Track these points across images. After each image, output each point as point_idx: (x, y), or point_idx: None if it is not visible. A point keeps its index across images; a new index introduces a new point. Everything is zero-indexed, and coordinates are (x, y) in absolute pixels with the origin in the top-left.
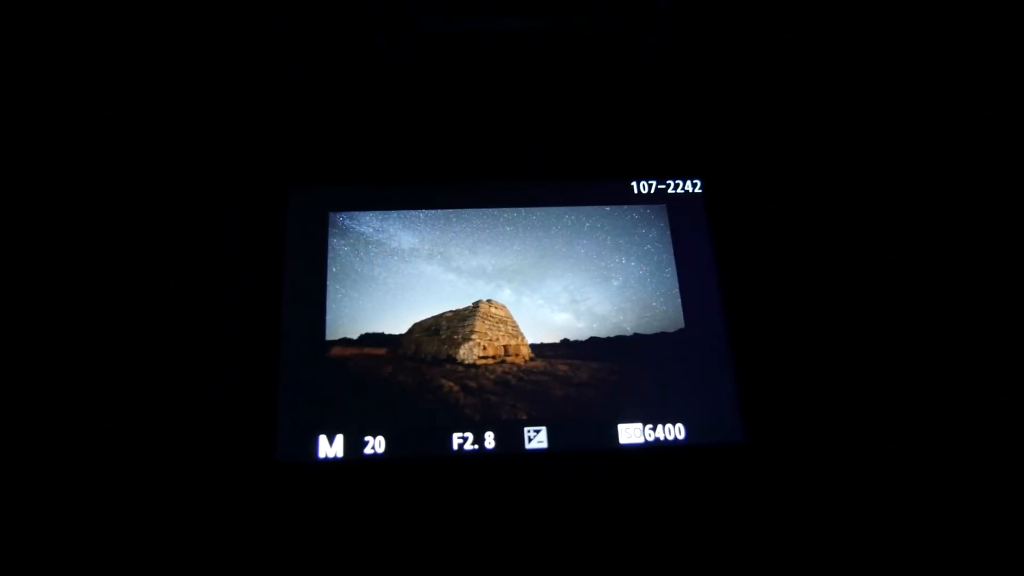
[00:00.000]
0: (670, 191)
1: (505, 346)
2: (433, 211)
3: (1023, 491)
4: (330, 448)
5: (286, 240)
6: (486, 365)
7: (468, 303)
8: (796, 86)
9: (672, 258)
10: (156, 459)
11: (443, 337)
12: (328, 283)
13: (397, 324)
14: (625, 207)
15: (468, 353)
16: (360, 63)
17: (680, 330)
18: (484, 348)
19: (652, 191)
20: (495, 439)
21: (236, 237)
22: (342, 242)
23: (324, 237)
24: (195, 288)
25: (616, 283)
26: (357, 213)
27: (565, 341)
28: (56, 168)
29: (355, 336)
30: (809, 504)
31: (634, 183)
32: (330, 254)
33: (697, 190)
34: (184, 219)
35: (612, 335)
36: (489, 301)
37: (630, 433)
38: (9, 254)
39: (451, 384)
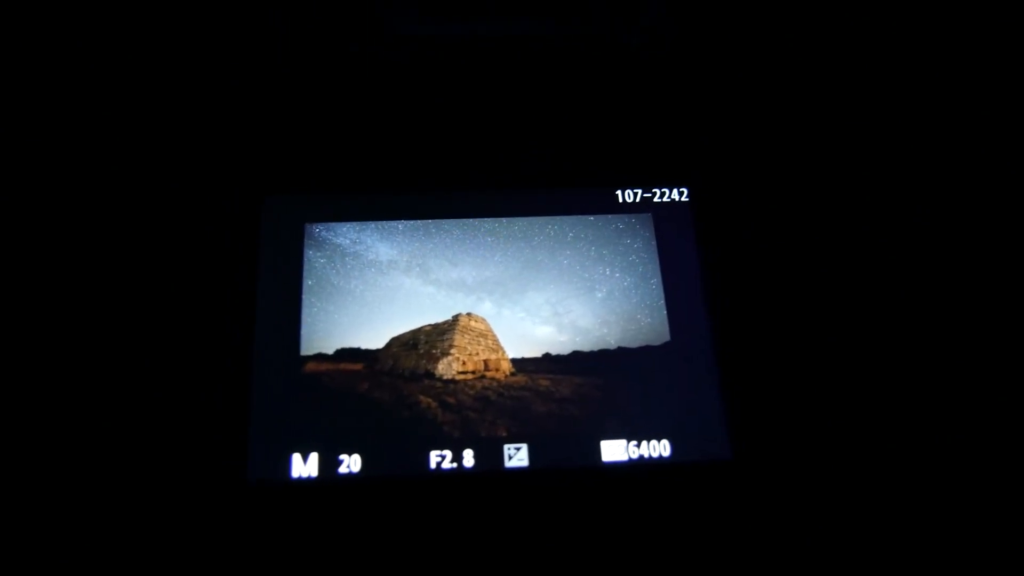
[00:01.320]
0: (656, 200)
1: (485, 361)
2: (412, 221)
3: (1015, 501)
4: (304, 467)
5: (260, 251)
6: (465, 380)
7: (447, 316)
8: (784, 93)
9: (658, 269)
10: (123, 477)
11: (421, 352)
12: (303, 296)
13: (374, 338)
14: (610, 216)
15: (447, 368)
16: (337, 70)
17: (666, 343)
18: (463, 363)
19: (638, 200)
20: (474, 457)
21: (208, 248)
22: (318, 254)
23: (299, 249)
24: (165, 301)
25: (600, 295)
26: (334, 224)
27: (547, 355)
28: (17, 177)
29: (330, 351)
30: (796, 521)
31: (619, 192)
32: (306, 266)
33: (683, 199)
34: (155, 228)
35: (595, 349)
36: (469, 314)
37: (614, 450)
38: None
39: (429, 400)
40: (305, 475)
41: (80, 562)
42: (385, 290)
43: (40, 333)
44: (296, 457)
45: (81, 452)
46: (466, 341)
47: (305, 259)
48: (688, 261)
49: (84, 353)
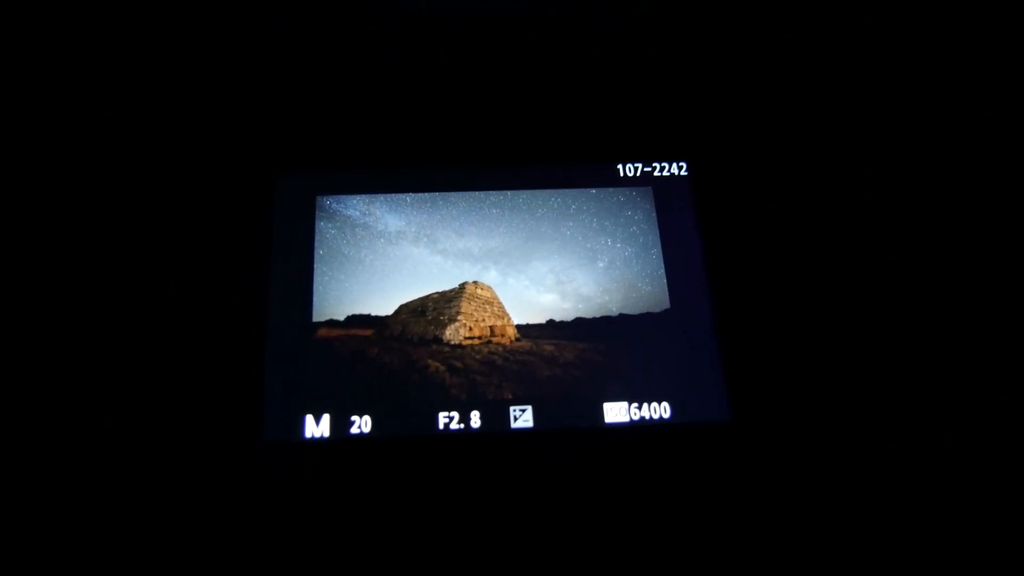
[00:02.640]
0: (656, 173)
1: (491, 327)
2: (420, 194)
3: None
4: (316, 428)
5: (273, 224)
6: (472, 345)
7: (454, 284)
8: (781, 69)
9: (658, 239)
10: (144, 439)
11: (429, 318)
12: (315, 265)
13: (384, 306)
14: (611, 189)
15: (454, 334)
16: (346, 47)
17: (665, 310)
18: (470, 329)
19: (638, 174)
20: (481, 418)
21: (223, 221)
22: (329, 225)
23: (311, 220)
24: (181, 271)
25: (602, 264)
26: (344, 196)
27: (551, 322)
28: (35, 159)
29: (342, 318)
30: (792, 481)
31: (620, 166)
32: (317, 237)
33: (683, 172)
34: (170, 203)
35: (598, 315)
36: (475, 282)
37: (615, 412)
38: None
39: (437, 364)
40: (318, 435)
41: (102, 519)
42: (394, 259)
43: (55, 308)
44: (309, 418)
45: (106, 417)
46: (473, 308)
47: (317, 230)
48: (687, 232)
49: (106, 326)
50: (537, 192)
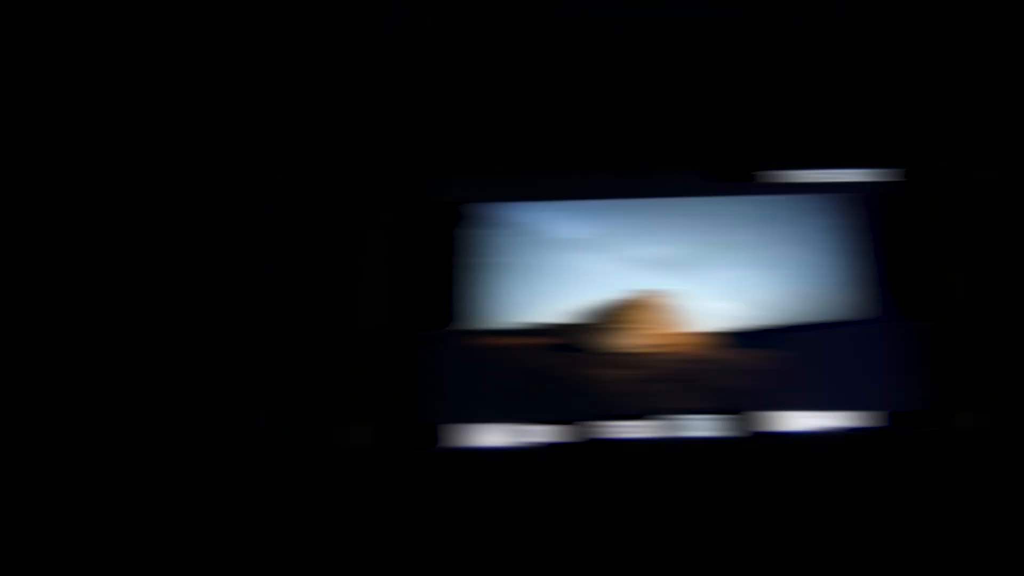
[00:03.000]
0: (858, 180)
1: (668, 335)
2: (595, 201)
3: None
4: (485, 437)
5: (455, 232)
6: (647, 354)
7: (630, 293)
8: None
9: (851, 248)
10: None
11: (603, 327)
12: (483, 274)
13: (553, 314)
14: (799, 196)
15: (628, 342)
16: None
17: (854, 319)
18: (645, 338)
19: (834, 181)
20: (655, 428)
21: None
22: (494, 232)
23: (474, 227)
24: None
25: (788, 272)
26: (511, 204)
27: (732, 330)
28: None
29: (511, 326)
30: None
31: (811, 172)
32: (488, 244)
33: (880, 181)
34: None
35: (781, 324)
36: (652, 290)
37: (800, 421)
38: None
39: (609, 373)
40: (486, 444)
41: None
42: (565, 267)
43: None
44: (475, 427)
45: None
46: (648, 316)
47: (490, 237)
48: (881, 240)
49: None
50: (719, 199)
